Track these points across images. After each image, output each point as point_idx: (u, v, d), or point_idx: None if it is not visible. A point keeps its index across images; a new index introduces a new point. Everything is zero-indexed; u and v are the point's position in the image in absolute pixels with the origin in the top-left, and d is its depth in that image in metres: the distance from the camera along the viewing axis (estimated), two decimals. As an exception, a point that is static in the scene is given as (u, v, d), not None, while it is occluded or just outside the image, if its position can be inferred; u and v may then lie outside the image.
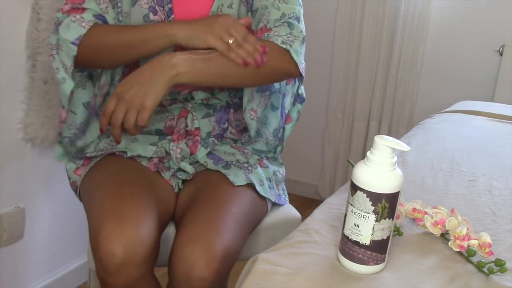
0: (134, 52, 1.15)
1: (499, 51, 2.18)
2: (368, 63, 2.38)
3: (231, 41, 1.10)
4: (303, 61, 1.20)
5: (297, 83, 1.29)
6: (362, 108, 2.44)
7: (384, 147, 0.82)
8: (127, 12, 1.18)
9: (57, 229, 1.73)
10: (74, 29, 1.14)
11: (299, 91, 1.32)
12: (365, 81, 2.40)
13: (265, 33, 1.18)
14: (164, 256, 1.09)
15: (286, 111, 1.32)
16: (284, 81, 1.27)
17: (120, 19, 1.19)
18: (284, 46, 1.16)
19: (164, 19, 1.18)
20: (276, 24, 1.18)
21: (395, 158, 0.83)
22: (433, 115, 1.80)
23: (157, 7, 1.18)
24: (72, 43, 1.13)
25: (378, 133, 2.43)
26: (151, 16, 1.18)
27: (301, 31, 1.20)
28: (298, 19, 1.21)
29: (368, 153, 0.84)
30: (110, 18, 1.17)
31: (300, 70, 1.20)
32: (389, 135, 2.51)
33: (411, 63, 2.30)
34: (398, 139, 0.87)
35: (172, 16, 1.18)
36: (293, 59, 1.17)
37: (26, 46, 1.44)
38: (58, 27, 1.15)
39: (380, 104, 2.41)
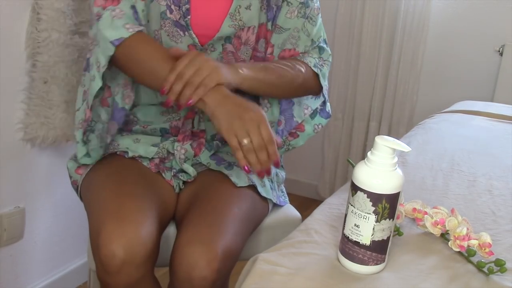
0: (153, 81, 1.10)
1: (499, 51, 2.18)
2: (368, 63, 2.38)
3: (245, 142, 1.02)
4: (327, 84, 1.32)
5: (314, 98, 1.34)
6: (362, 108, 2.44)
7: (385, 148, 0.82)
8: (143, 9, 1.17)
9: (57, 229, 1.73)
10: (116, 29, 1.10)
11: (326, 108, 1.37)
12: (365, 81, 2.40)
13: (300, 54, 1.26)
14: (164, 256, 1.09)
15: (296, 119, 1.31)
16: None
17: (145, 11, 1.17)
18: (315, 69, 1.25)
19: (180, 18, 1.17)
20: (307, 49, 1.27)
21: (396, 159, 0.83)
22: (433, 115, 1.80)
23: (173, 6, 1.17)
24: (111, 42, 1.09)
25: (378, 133, 2.43)
26: (168, 14, 1.17)
27: (330, 55, 1.31)
28: (325, 42, 1.32)
29: (368, 153, 0.84)
30: (139, 9, 1.14)
31: (323, 92, 1.31)
32: (389, 135, 2.51)
33: (411, 63, 2.30)
34: (398, 139, 0.87)
35: (189, 16, 1.17)
36: (319, 82, 1.27)
37: (26, 46, 1.44)
38: (98, 21, 1.11)
39: (380, 104, 2.41)
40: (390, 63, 2.34)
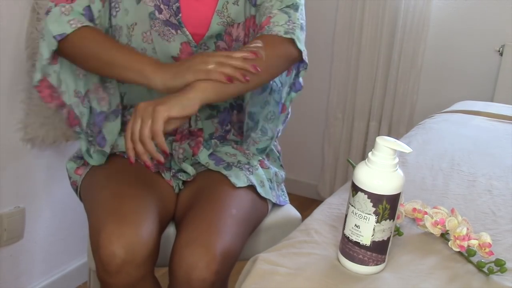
0: (108, 70, 1.13)
1: (499, 51, 2.18)
2: (368, 62, 2.38)
3: (210, 67, 1.04)
4: (304, 48, 1.20)
5: (293, 73, 1.26)
6: (362, 108, 2.44)
7: (386, 149, 0.81)
8: (126, 9, 1.18)
9: (57, 229, 1.73)
10: (60, 24, 1.13)
11: (299, 79, 1.28)
12: (365, 81, 2.40)
13: (265, 26, 1.17)
14: (164, 257, 1.09)
15: (283, 101, 1.31)
16: (284, 73, 1.26)
17: (114, 13, 1.18)
18: (288, 36, 1.16)
19: (170, 17, 1.18)
20: (274, 12, 1.18)
21: (397, 160, 0.83)
22: (433, 115, 1.80)
23: (162, 6, 1.17)
24: (54, 37, 1.13)
25: (378, 133, 2.43)
26: (157, 14, 1.18)
27: (298, 19, 1.20)
28: (296, 8, 1.21)
29: (369, 154, 0.84)
30: (95, 10, 1.16)
31: (304, 58, 1.20)
32: (389, 135, 2.51)
33: (411, 63, 2.30)
34: (398, 139, 0.87)
35: (180, 15, 1.18)
36: (297, 47, 1.17)
37: (26, 46, 1.44)
38: (46, 15, 1.15)
39: (380, 104, 2.41)
40: (390, 63, 2.34)
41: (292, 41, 1.16)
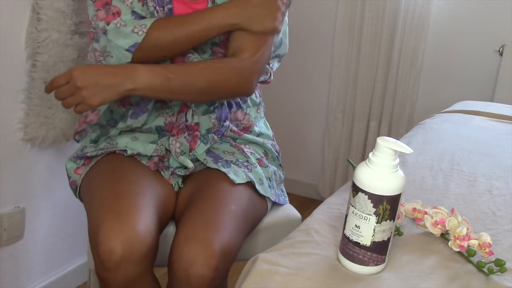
0: (196, 43, 1.19)
1: (499, 51, 2.18)
2: (368, 63, 2.38)
3: (281, 26, 1.18)
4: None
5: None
6: (362, 108, 2.44)
7: (387, 149, 0.81)
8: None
9: (57, 229, 1.73)
10: (127, 36, 1.14)
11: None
12: (365, 81, 2.40)
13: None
14: (164, 256, 1.09)
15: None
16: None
17: (158, 10, 1.19)
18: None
19: None
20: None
21: (397, 160, 0.83)
22: (433, 115, 1.80)
23: (157, 7, 1.18)
24: (127, 50, 1.14)
25: (378, 133, 2.43)
26: (155, 14, 1.19)
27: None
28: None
29: (370, 154, 0.83)
30: (138, 9, 1.17)
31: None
32: (389, 135, 2.51)
33: (411, 63, 2.30)
34: (398, 139, 0.87)
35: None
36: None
37: (26, 46, 1.44)
38: (105, 35, 1.16)
39: (380, 104, 2.41)
40: (390, 63, 2.34)
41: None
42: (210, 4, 1.20)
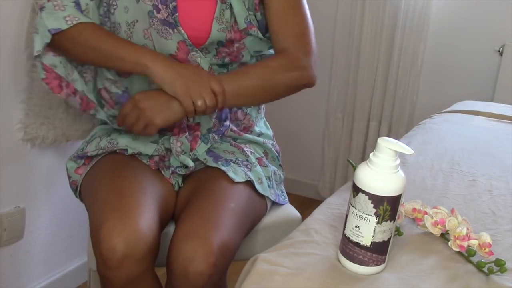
0: (107, 63, 1.19)
1: (499, 51, 2.18)
2: (368, 63, 2.38)
3: (199, 103, 1.12)
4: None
5: None
6: (362, 108, 2.44)
7: (387, 150, 0.81)
8: (126, 7, 1.19)
9: (57, 229, 1.73)
10: (56, 19, 1.16)
11: None
12: (365, 81, 2.40)
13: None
14: (164, 256, 1.09)
15: None
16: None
17: (112, 11, 1.20)
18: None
19: (167, 16, 1.18)
20: None
21: (398, 161, 0.83)
22: (433, 115, 1.80)
23: (160, 5, 1.18)
24: (49, 30, 1.17)
25: (378, 133, 2.43)
26: (155, 13, 1.18)
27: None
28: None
29: (370, 155, 0.83)
30: (83, 3, 1.20)
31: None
32: (389, 135, 2.50)
33: (411, 63, 2.30)
34: (398, 139, 0.87)
35: (176, 14, 1.18)
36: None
37: (26, 46, 1.44)
38: (41, 11, 1.18)
39: (380, 104, 2.41)
40: (390, 63, 2.34)
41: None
42: (219, 4, 1.20)
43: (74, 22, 1.16)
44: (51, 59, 1.22)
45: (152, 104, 1.13)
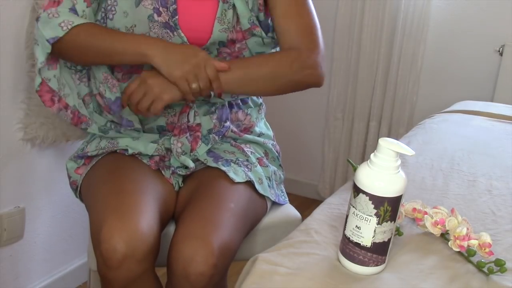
0: (108, 60, 1.19)
1: (499, 51, 2.18)
2: (368, 63, 2.38)
3: (194, 86, 1.13)
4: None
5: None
6: (362, 108, 2.44)
7: (388, 151, 0.81)
8: (126, 11, 1.19)
9: (57, 229, 1.73)
10: (52, 28, 1.17)
11: None
12: (365, 81, 2.40)
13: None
14: (164, 256, 1.09)
15: None
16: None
17: (110, 16, 1.19)
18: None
19: (168, 19, 1.18)
20: None
21: (399, 162, 0.83)
22: (433, 115, 1.80)
23: (161, 8, 1.18)
24: (47, 40, 1.17)
25: (378, 133, 2.43)
26: (156, 17, 1.18)
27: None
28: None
29: (371, 155, 0.83)
30: (80, 10, 1.19)
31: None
32: (389, 135, 2.50)
33: (411, 63, 2.30)
34: (398, 139, 0.87)
35: (176, 16, 1.18)
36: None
37: (26, 46, 1.44)
38: (37, 22, 1.19)
39: (380, 104, 2.41)
40: (390, 63, 2.34)
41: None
42: (221, 4, 1.20)
43: (69, 27, 1.16)
44: (46, 72, 1.23)
45: (160, 81, 1.13)
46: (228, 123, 1.30)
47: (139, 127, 1.26)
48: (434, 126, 1.64)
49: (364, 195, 0.82)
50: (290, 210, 1.35)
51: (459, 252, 0.92)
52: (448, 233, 0.95)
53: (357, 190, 0.83)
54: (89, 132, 1.32)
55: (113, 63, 1.22)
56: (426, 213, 0.98)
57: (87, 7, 1.20)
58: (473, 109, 1.82)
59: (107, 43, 1.16)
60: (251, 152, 1.31)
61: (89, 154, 1.27)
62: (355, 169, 1.01)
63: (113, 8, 1.19)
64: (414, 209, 0.99)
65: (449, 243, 0.92)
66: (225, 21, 1.20)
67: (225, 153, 1.28)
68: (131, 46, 1.15)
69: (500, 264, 0.87)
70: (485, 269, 0.88)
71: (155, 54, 1.13)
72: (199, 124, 1.27)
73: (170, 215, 1.21)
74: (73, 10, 1.19)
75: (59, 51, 1.19)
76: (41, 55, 1.19)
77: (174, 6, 1.18)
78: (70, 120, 1.29)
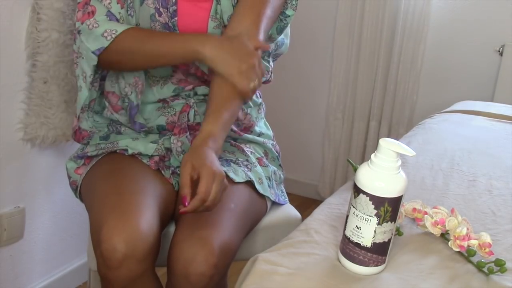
0: (155, 62, 1.17)
1: (499, 51, 2.18)
2: (368, 63, 2.38)
3: (253, 85, 1.12)
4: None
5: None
6: (362, 108, 2.44)
7: (389, 151, 0.81)
8: (135, 10, 1.19)
9: (57, 229, 1.73)
10: (96, 39, 1.15)
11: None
12: (365, 81, 2.40)
13: None
14: (165, 256, 1.09)
15: None
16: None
17: (132, 14, 1.19)
18: None
19: (168, 20, 1.19)
20: None
21: (400, 162, 0.83)
22: (433, 115, 1.80)
23: (161, 9, 1.18)
24: (93, 52, 1.15)
25: (378, 133, 2.43)
26: (157, 16, 1.19)
27: None
28: None
29: (372, 156, 0.83)
30: (116, 12, 1.17)
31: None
32: (389, 135, 2.49)
33: (411, 63, 2.30)
34: (398, 139, 0.87)
35: (176, 18, 1.19)
36: None
37: (26, 46, 1.44)
38: (79, 35, 1.17)
39: (380, 104, 2.41)
40: (390, 63, 2.34)
41: None
42: (215, 3, 1.20)
43: (113, 36, 1.14)
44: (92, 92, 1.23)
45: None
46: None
47: (152, 125, 1.26)
48: (434, 126, 1.64)
49: (365, 196, 0.82)
50: (290, 210, 1.35)
51: (459, 252, 0.92)
52: (448, 233, 0.95)
53: (357, 191, 0.83)
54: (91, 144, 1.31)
55: (162, 65, 1.20)
56: (426, 213, 0.98)
57: (121, 8, 1.18)
58: (473, 109, 1.82)
59: (154, 45, 1.15)
60: (251, 152, 1.31)
61: (89, 154, 1.27)
62: (355, 169, 1.01)
63: (131, 5, 1.19)
64: (414, 209, 0.99)
65: (449, 243, 0.92)
66: (217, 18, 1.22)
67: (224, 153, 1.28)
68: (181, 45, 1.13)
69: (500, 264, 0.87)
70: (485, 269, 0.88)
71: (206, 51, 1.11)
72: (199, 124, 1.27)
73: (170, 215, 1.21)
74: (110, 15, 1.17)
75: (105, 61, 1.17)
76: (88, 69, 1.18)
77: (174, 7, 1.19)
78: (73, 138, 1.31)
